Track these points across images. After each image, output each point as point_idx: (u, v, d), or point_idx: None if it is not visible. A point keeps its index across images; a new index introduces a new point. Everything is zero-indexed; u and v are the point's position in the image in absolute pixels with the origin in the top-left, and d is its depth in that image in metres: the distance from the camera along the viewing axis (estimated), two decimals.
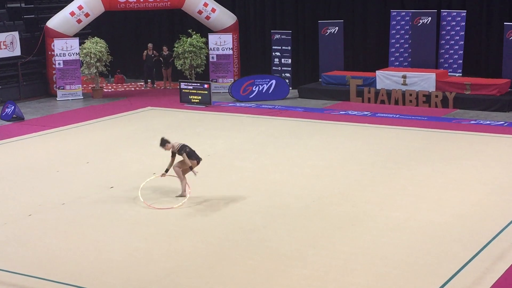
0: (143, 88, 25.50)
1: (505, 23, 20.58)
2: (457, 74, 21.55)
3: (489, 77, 20.90)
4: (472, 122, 18.38)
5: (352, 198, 12.39)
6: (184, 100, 21.78)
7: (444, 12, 21.74)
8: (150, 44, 25.15)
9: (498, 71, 20.85)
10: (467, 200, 12.13)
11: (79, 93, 23.40)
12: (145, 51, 25.09)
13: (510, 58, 20.38)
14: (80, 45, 23.28)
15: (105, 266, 9.72)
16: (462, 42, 21.50)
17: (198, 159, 12.53)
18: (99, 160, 15.41)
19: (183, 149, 12.41)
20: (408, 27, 22.28)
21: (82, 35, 24.38)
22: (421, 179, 13.46)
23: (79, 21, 23.35)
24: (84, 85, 24.16)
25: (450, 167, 14.14)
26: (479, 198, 12.27)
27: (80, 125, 19.17)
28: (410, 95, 20.77)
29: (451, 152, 15.36)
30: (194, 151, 12.55)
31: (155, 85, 25.56)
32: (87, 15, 23.35)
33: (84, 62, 23.10)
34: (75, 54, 23.14)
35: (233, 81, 23.34)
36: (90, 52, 22.91)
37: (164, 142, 12.60)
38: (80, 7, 23.18)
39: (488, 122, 18.25)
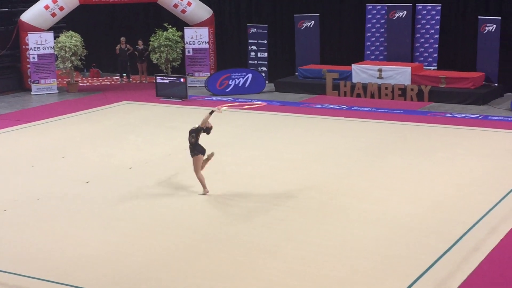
0: (118, 82, 25.37)
1: (479, 16, 20.72)
2: (432, 68, 21.68)
3: (464, 71, 21.03)
4: (447, 115, 18.50)
5: (328, 191, 12.43)
6: (160, 94, 21.70)
7: (419, 5, 21.84)
8: (123, 38, 25.02)
9: (472, 65, 20.99)
10: (443, 192, 12.21)
11: (54, 87, 23.21)
12: (118, 45, 24.96)
13: (485, 52, 20.53)
14: (54, 39, 23.08)
15: (81, 261, 9.66)
16: (437, 36, 21.63)
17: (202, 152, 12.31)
18: (74, 155, 15.30)
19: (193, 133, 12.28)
20: (383, 20, 22.36)
21: (57, 29, 24.18)
22: (397, 171, 13.53)
23: (53, 14, 23.16)
24: (59, 79, 23.97)
25: (426, 160, 14.23)
26: (454, 190, 12.35)
27: (55, 120, 19.03)
28: (386, 88, 20.86)
29: (426, 145, 15.46)
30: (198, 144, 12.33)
31: (130, 79, 25.44)
32: (61, 8, 23.16)
33: (59, 56, 22.91)
34: (49, 48, 22.94)
35: (209, 75, 23.29)
36: (65, 46, 22.73)
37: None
38: (54, 1, 22.98)
39: (463, 115, 18.38)
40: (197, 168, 12.26)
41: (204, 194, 12.26)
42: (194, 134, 12.28)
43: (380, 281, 8.86)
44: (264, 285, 8.83)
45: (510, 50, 20.71)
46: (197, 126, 12.30)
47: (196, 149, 12.26)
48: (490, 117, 18.13)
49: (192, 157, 12.29)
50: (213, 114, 12.23)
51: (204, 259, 9.64)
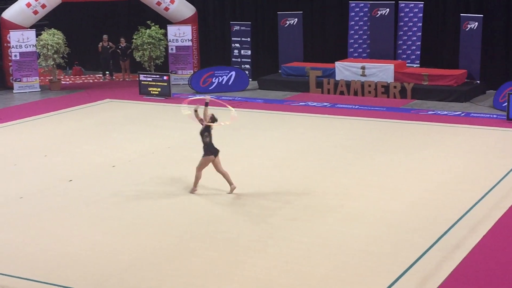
0: (101, 80, 25.27)
1: (461, 14, 20.82)
2: (415, 65, 21.77)
3: (446, 68, 21.13)
4: (429, 112, 18.59)
5: (312, 189, 12.45)
6: (143, 92, 21.64)
7: (402, 3, 21.92)
8: (105, 35, 24.92)
9: (455, 62, 21.10)
10: (426, 189, 12.27)
11: (36, 85, 23.08)
12: (101, 43, 24.87)
13: (467, 49, 20.64)
14: (36, 36, 22.95)
15: (64, 260, 9.62)
16: (420, 33, 21.71)
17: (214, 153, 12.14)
18: (57, 153, 15.23)
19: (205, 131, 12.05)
20: (366, 18, 22.42)
21: (39, 27, 24.04)
22: (380, 169, 13.58)
23: (35, 12, 23.02)
24: (42, 77, 23.84)
25: (409, 157, 14.29)
26: (437, 187, 12.42)
27: (38, 118, 18.93)
28: (369, 86, 20.93)
29: (409, 142, 15.52)
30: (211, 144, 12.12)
31: (113, 77, 25.35)
32: (43, 6, 23.03)
33: (41, 54, 22.79)
34: (31, 46, 22.81)
35: (192, 72, 23.25)
36: (47, 44, 22.61)
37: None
38: None
39: (445, 113, 18.47)
40: (201, 167, 12.17)
41: (192, 192, 12.26)
42: (207, 133, 12.03)
43: (364, 277, 8.90)
44: (251, 283, 8.84)
45: (492, 47, 20.85)
46: (203, 124, 12.08)
47: (209, 150, 12.05)
48: (472, 114, 18.23)
49: (202, 156, 12.11)
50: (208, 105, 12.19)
51: (187, 258, 9.63)
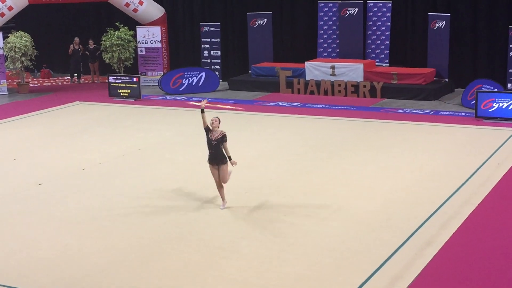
0: (69, 82, 25.07)
1: (429, 13, 21.00)
2: (384, 64, 21.91)
3: (415, 67, 21.31)
4: (399, 111, 18.72)
5: (284, 189, 12.47)
6: (113, 94, 21.51)
7: (370, 3, 22.05)
8: (76, 38, 24.74)
9: (423, 61, 21.27)
10: (397, 187, 12.35)
11: (4, 88, 22.82)
12: (71, 46, 24.67)
13: (435, 48, 20.82)
14: (4, 39, 22.70)
15: (36, 264, 9.52)
16: (389, 33, 21.86)
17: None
18: (26, 157, 15.08)
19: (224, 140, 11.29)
20: (335, 18, 22.51)
21: (6, 29, 23.78)
22: (352, 167, 13.64)
23: (2, 14, 22.75)
24: (9, 80, 23.60)
25: (379, 155, 14.38)
26: (408, 184, 12.51)
27: (6, 121, 18.72)
28: (339, 85, 21.01)
29: (380, 140, 15.62)
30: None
31: (81, 80, 25.15)
32: (10, 8, 22.77)
33: (8, 56, 22.54)
34: None
35: (162, 74, 23.17)
36: (15, 47, 22.36)
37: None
38: (3, 0, 22.59)
39: (415, 111, 18.61)
40: (224, 178, 11.36)
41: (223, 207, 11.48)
42: (216, 142, 11.19)
43: (337, 276, 8.93)
44: (226, 284, 8.81)
45: (460, 46, 21.05)
46: (208, 134, 11.26)
47: (224, 158, 11.28)
48: (441, 112, 18.39)
49: (219, 166, 11.29)
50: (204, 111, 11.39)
51: (160, 259, 9.59)
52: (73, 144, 16.03)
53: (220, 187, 11.49)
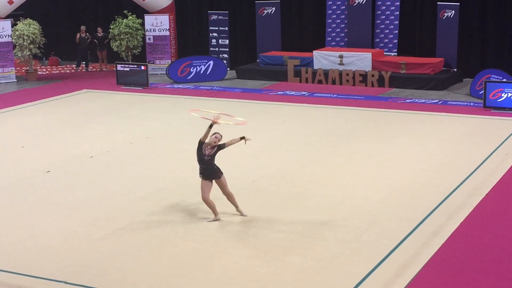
0: (77, 70, 25.09)
1: (438, 2, 20.90)
2: (393, 54, 21.83)
3: (423, 56, 21.23)
4: (407, 100, 18.67)
5: (291, 178, 12.47)
6: (120, 82, 21.52)
7: None
8: (83, 26, 24.74)
9: (432, 50, 21.19)
10: (404, 177, 12.33)
11: (12, 76, 22.86)
12: (78, 34, 24.67)
13: (444, 37, 20.74)
14: (12, 27, 22.72)
15: (43, 252, 9.56)
16: (397, 22, 21.77)
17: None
18: (34, 145, 15.12)
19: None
20: (344, 7, 22.43)
21: (14, 17, 23.80)
22: (359, 157, 13.62)
23: (10, 2, 22.76)
24: (18, 68, 23.63)
25: (387, 145, 14.35)
26: (415, 175, 12.49)
27: (14, 109, 18.76)
28: (347, 74, 20.96)
29: (387, 130, 15.59)
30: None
31: (89, 68, 25.17)
32: None
33: (17, 44, 22.57)
34: (7, 36, 22.57)
35: (170, 62, 23.16)
36: (23, 34, 22.39)
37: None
38: None
39: (423, 101, 18.56)
40: (227, 189, 10.63)
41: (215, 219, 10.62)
42: (209, 158, 10.48)
43: (343, 265, 8.93)
44: (233, 272, 8.83)
45: (469, 35, 20.97)
46: (202, 148, 10.59)
47: (217, 172, 10.59)
48: (449, 102, 18.33)
49: (215, 180, 10.58)
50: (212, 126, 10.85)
51: (167, 248, 9.60)
52: (81, 132, 16.06)
53: (228, 196, 10.66)
